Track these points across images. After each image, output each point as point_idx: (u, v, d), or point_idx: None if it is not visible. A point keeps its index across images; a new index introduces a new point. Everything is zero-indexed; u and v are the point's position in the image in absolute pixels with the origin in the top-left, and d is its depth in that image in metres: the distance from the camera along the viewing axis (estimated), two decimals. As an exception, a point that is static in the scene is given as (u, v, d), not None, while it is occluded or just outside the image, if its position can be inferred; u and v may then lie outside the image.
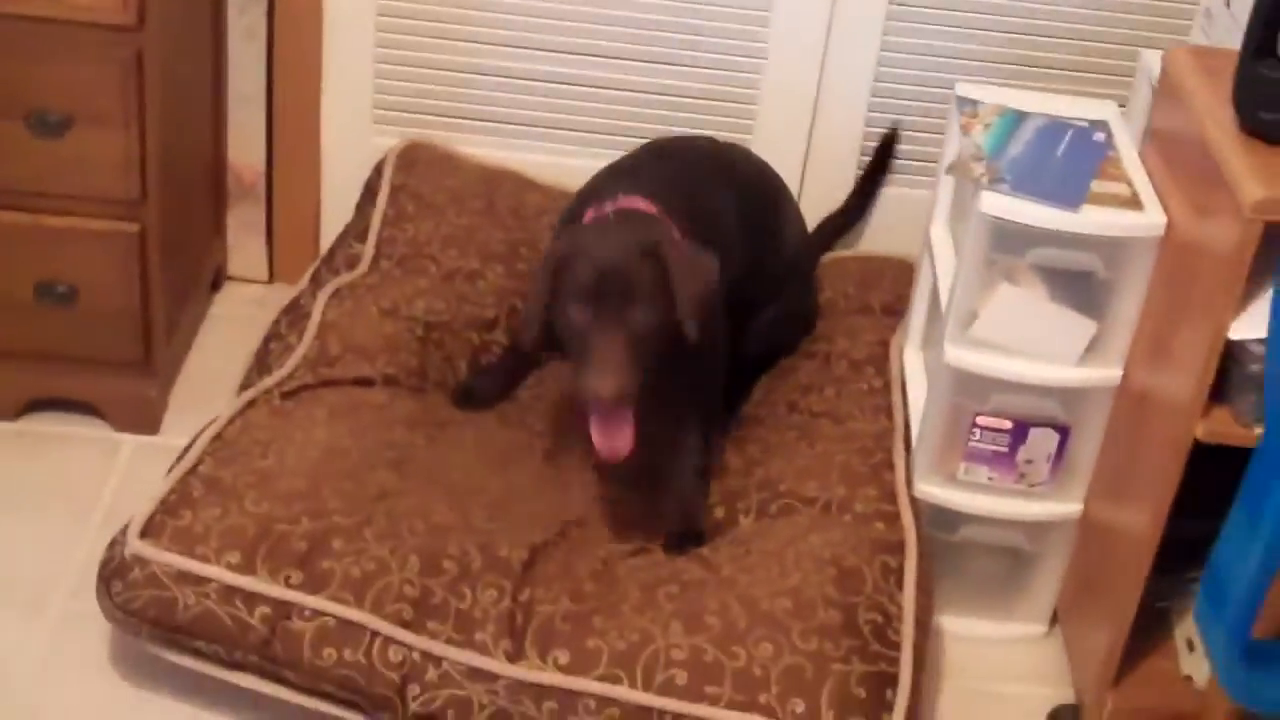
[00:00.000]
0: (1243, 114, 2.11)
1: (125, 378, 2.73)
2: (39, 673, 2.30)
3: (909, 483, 2.48)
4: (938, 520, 2.52)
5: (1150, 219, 2.27)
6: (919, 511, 2.45)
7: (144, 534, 2.20)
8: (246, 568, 2.18)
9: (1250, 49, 2.08)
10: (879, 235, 3.09)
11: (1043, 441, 2.43)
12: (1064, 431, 2.42)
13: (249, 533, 2.21)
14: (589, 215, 2.40)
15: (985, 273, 2.34)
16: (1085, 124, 2.48)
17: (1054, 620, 2.61)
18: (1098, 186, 2.31)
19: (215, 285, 3.14)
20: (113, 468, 2.68)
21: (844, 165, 3.07)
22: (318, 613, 2.16)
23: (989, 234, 2.30)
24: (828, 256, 3.04)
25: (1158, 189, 2.33)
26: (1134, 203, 2.29)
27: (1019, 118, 2.48)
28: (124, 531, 2.22)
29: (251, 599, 2.17)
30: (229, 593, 2.17)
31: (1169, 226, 2.26)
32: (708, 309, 2.33)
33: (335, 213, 3.05)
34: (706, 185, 2.60)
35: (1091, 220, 2.26)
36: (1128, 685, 2.35)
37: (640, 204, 2.40)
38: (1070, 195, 2.27)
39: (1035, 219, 2.26)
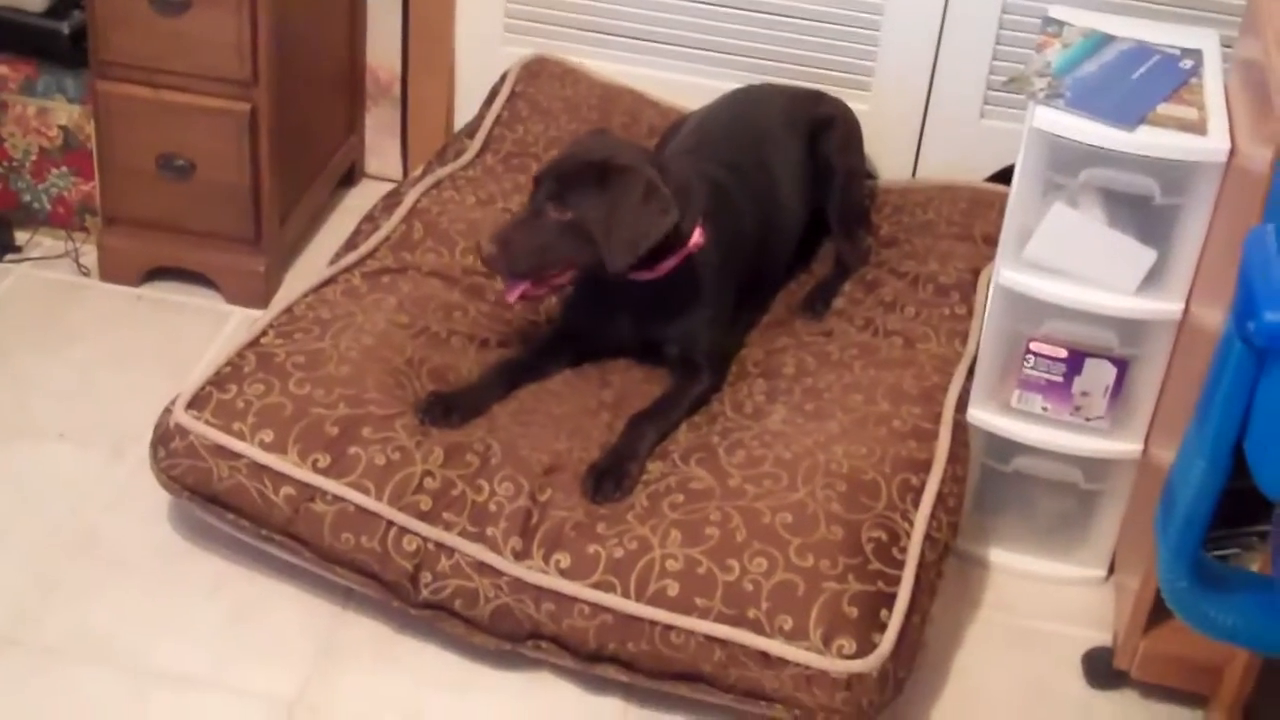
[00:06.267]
0: (1301, 32, 2.01)
1: (236, 252, 2.89)
2: (105, 509, 2.47)
3: (962, 408, 2.43)
4: (992, 449, 2.47)
5: (1211, 144, 2.17)
6: (966, 437, 2.41)
7: (191, 404, 2.31)
8: (277, 447, 2.25)
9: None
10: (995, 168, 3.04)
11: (1099, 373, 2.35)
12: (1121, 365, 2.34)
13: (286, 412, 2.29)
14: None
15: (1042, 192, 2.28)
16: (1176, 51, 2.39)
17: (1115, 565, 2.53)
18: (1165, 109, 2.23)
19: (351, 181, 3.28)
20: (217, 336, 2.84)
21: (968, 99, 3.04)
22: (338, 498, 2.23)
23: (1042, 150, 2.24)
24: (942, 182, 3.01)
25: (1232, 117, 2.23)
26: (1198, 127, 2.20)
27: (1105, 40, 2.40)
28: (175, 400, 2.34)
29: (278, 478, 2.24)
30: (258, 470, 2.25)
31: (1233, 154, 2.16)
32: (636, 252, 2.36)
33: (467, 117, 3.14)
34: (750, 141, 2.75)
35: (1145, 141, 2.18)
36: (1162, 631, 2.26)
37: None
38: (1128, 115, 2.20)
39: (1087, 136, 2.19)
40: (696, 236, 2.43)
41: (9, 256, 2.98)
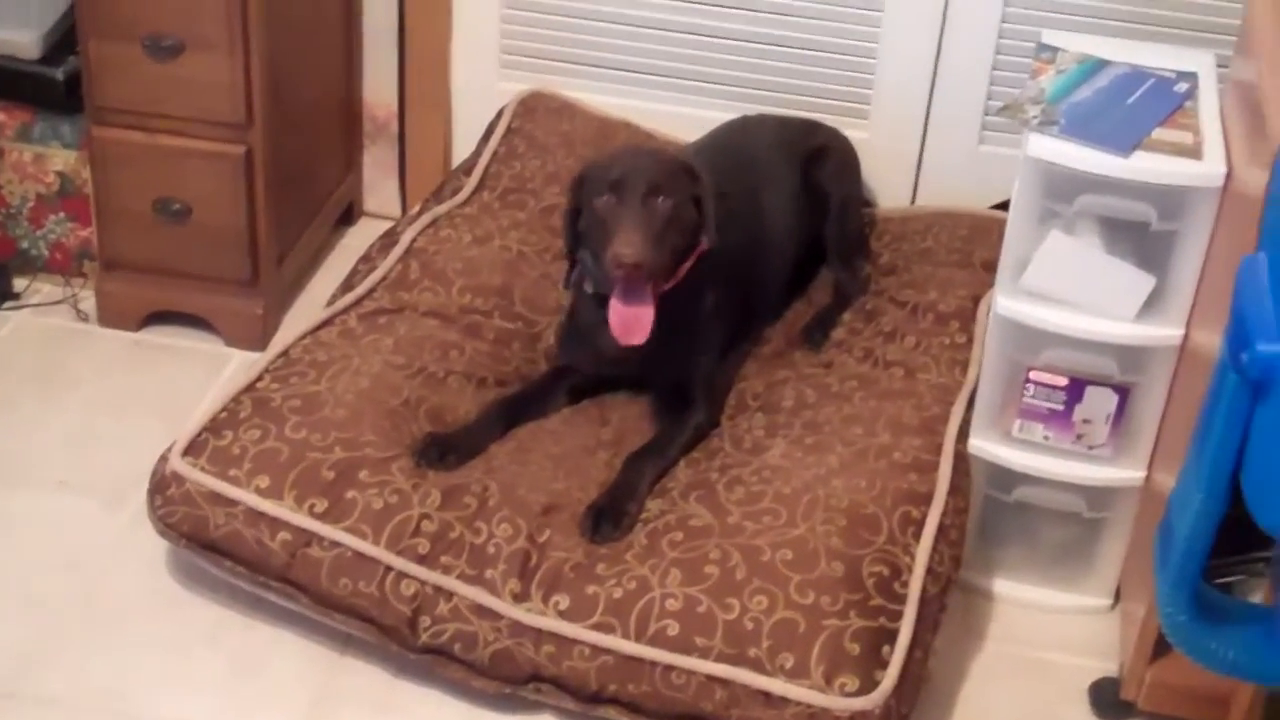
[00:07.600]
0: (1292, 54, 1.99)
1: (234, 295, 2.89)
2: (103, 560, 2.45)
3: (963, 438, 2.41)
4: (994, 479, 2.45)
5: (1206, 169, 2.15)
6: (967, 468, 2.39)
7: (187, 451, 2.30)
8: (274, 492, 2.24)
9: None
10: (997, 196, 3.01)
11: (1100, 401, 2.33)
12: (1123, 392, 2.32)
13: (282, 457, 2.28)
14: None
15: (1038, 220, 2.27)
16: (1171, 74, 2.37)
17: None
18: (1160, 134, 2.21)
19: (350, 220, 3.28)
20: (217, 379, 2.83)
21: (966, 126, 3.02)
22: (335, 544, 2.21)
23: (1037, 178, 2.23)
24: (942, 208, 2.99)
25: (1228, 140, 2.21)
26: (1193, 151, 2.18)
27: (1099, 65, 2.39)
28: (171, 448, 2.33)
29: (275, 524, 2.23)
30: (254, 516, 2.23)
31: (1230, 178, 2.14)
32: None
33: (465, 153, 3.13)
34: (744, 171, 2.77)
35: (1139, 167, 2.16)
36: (1168, 661, 2.23)
37: None
38: (1123, 141, 2.18)
39: (1081, 163, 2.18)
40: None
41: (7, 304, 2.99)
